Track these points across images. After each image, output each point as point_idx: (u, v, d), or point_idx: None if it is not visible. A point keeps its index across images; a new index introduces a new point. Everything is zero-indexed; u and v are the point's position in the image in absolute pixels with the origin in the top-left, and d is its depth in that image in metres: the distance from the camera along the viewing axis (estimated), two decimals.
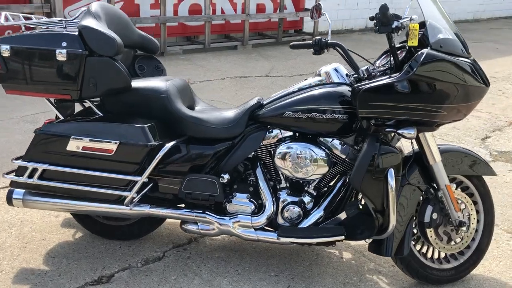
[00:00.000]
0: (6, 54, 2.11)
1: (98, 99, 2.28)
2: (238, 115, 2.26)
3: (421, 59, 1.89)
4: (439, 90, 1.97)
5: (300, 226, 2.22)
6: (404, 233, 2.16)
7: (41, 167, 2.13)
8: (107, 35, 2.08)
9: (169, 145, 2.12)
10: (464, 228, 2.24)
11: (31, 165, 2.13)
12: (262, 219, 2.21)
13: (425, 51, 1.92)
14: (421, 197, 2.23)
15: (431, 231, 2.25)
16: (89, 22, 2.13)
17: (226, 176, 2.26)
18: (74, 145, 2.09)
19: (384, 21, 1.94)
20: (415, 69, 1.90)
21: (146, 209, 2.25)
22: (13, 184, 2.19)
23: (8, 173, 2.20)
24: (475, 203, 2.35)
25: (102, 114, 2.25)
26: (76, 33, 2.11)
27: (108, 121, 2.16)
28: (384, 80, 1.99)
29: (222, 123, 2.26)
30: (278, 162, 2.18)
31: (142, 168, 2.11)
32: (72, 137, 2.09)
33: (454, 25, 2.15)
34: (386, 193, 2.03)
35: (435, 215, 2.21)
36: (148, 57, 2.62)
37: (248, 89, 5.49)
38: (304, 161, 2.13)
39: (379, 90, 1.99)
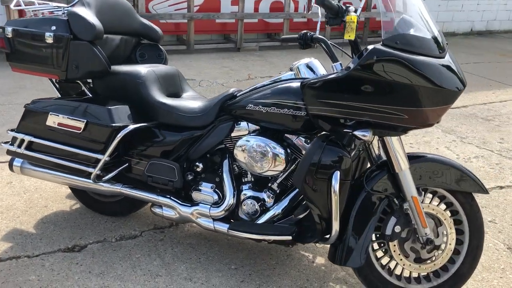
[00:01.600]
0: (9, 35, 2.37)
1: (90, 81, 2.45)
2: (209, 105, 2.28)
3: (364, 56, 1.74)
4: (391, 91, 1.78)
5: (257, 222, 2.18)
6: (361, 243, 2.01)
7: (27, 138, 2.35)
8: (87, 20, 2.23)
9: (130, 127, 2.20)
10: (432, 247, 2.02)
11: (19, 136, 2.37)
12: (219, 211, 2.20)
13: (371, 47, 1.76)
14: (387, 207, 2.05)
15: (394, 245, 2.06)
16: (77, 9, 2.29)
17: (200, 165, 2.30)
18: (51, 120, 2.28)
19: (332, 14, 1.82)
20: (354, 66, 1.75)
21: (118, 188, 2.37)
22: (9, 152, 2.45)
23: (5, 142, 2.47)
24: (459, 222, 2.10)
25: (91, 95, 2.43)
26: (66, 19, 2.29)
27: (85, 101, 2.30)
28: (328, 76, 1.87)
29: (192, 111, 2.29)
30: (237, 154, 2.15)
31: (106, 148, 2.22)
32: (50, 113, 2.28)
33: (433, 22, 1.94)
34: (329, 197, 1.90)
35: (398, 228, 2.02)
36: (151, 45, 2.74)
37: None
38: (260, 155, 2.08)
39: (324, 86, 1.87)
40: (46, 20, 2.34)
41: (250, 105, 2.12)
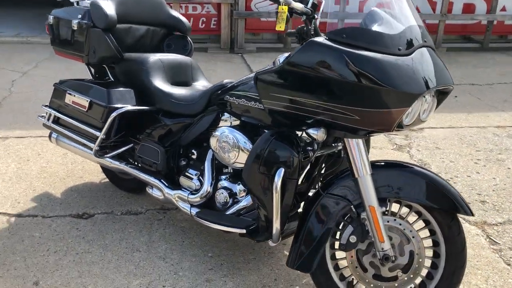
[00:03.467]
0: (51, 22, 2.71)
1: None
2: (201, 95, 2.34)
3: (300, 48, 1.64)
4: (333, 88, 1.65)
5: (226, 213, 2.19)
6: (313, 248, 1.90)
7: (53, 113, 2.67)
8: (102, 10, 2.45)
9: (124, 109, 2.36)
10: (393, 265, 1.83)
11: (48, 111, 2.70)
12: (195, 197, 2.26)
13: (311, 39, 1.65)
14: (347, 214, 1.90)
15: (352, 256, 1.91)
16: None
17: (190, 152, 2.39)
18: (68, 98, 2.55)
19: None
20: (288, 58, 1.66)
21: (121, 165, 2.56)
22: (44, 125, 2.80)
23: (41, 116, 2.82)
24: (436, 243, 1.87)
25: (112, 79, 2.67)
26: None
27: (96, 84, 2.53)
28: (269, 68, 1.79)
29: (185, 99, 2.37)
30: (211, 144, 2.18)
31: (103, 126, 2.42)
32: (67, 91, 2.56)
33: (414, 17, 1.75)
34: (271, 194, 1.84)
35: (353, 238, 1.86)
36: (179, 37, 2.88)
37: None
38: (228, 147, 2.09)
39: (267, 79, 1.80)
40: (78, 9, 2.63)
41: (227, 96, 2.14)
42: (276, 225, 1.87)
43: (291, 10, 1.73)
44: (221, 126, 2.20)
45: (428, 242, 1.89)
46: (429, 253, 1.88)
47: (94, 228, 2.55)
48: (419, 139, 4.00)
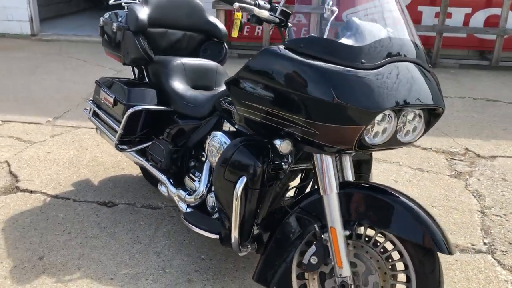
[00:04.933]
0: (101, 24, 2.97)
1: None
2: (208, 99, 2.39)
3: (255, 56, 1.58)
4: (288, 98, 1.58)
5: (214, 216, 2.20)
6: (276, 265, 1.83)
7: (93, 107, 2.92)
8: (134, 14, 2.62)
9: (140, 107, 2.49)
10: None
11: (90, 105, 2.95)
12: (190, 198, 2.30)
13: (265, 47, 1.59)
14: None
15: (314, 278, 1.81)
16: (135, 4, 2.71)
17: (197, 153, 2.46)
18: (102, 94, 2.77)
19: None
20: (244, 65, 1.61)
21: (140, 160, 2.70)
22: (89, 118, 3.07)
23: (86, 109, 3.09)
24: (408, 279, 1.69)
25: (146, 80, 2.84)
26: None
27: (125, 83, 2.70)
28: (235, 74, 1.75)
29: (195, 102, 2.44)
30: (205, 147, 2.21)
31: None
32: (101, 88, 2.78)
33: (401, 28, 1.61)
34: (231, 201, 1.80)
35: (314, 259, 1.75)
36: (216, 42, 2.96)
37: (482, 114, 4.74)
38: (214, 151, 2.10)
39: (236, 85, 1.76)
40: (121, 12, 2.84)
41: (222, 101, 2.16)
42: (235, 234, 1.84)
43: (258, 18, 1.70)
44: (216, 131, 2.22)
45: (403, 277, 1.72)
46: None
47: (111, 217, 2.73)
48: (486, 167, 3.59)
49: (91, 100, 3.00)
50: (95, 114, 2.93)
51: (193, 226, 2.13)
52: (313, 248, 1.77)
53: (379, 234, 1.73)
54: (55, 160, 3.42)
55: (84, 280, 2.19)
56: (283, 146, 1.74)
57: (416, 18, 6.71)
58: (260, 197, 1.83)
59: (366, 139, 1.59)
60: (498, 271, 2.37)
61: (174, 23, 2.81)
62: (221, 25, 2.93)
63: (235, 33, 1.69)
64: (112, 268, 2.28)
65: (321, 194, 1.73)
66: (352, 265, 1.73)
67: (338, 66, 1.51)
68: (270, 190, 1.87)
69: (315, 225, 1.76)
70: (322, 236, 1.73)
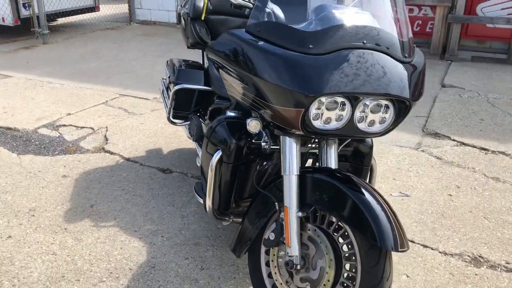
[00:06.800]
0: (178, 11, 3.32)
1: None
2: None
3: (217, 39, 1.69)
4: (245, 79, 1.66)
5: None
6: (245, 238, 1.95)
7: (161, 85, 3.30)
8: (193, 2, 2.89)
9: (182, 86, 2.76)
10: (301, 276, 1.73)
11: (161, 83, 3.34)
12: None
13: (229, 30, 1.68)
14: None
15: (274, 254, 1.88)
16: None
17: None
18: (166, 74, 3.12)
19: None
20: (208, 46, 1.72)
21: (186, 131, 3.00)
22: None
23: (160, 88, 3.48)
24: (354, 267, 1.68)
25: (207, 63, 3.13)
26: None
27: (180, 65, 2.99)
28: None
29: None
30: None
31: None
32: (166, 68, 3.13)
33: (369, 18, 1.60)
34: (207, 172, 1.95)
35: (271, 235, 1.82)
36: None
37: None
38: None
39: (213, 63, 1.89)
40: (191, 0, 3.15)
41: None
42: (209, 203, 2.00)
43: (233, 4, 1.82)
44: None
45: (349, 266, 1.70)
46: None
47: (162, 181, 3.08)
48: None
49: (164, 78, 3.39)
50: (164, 92, 3.31)
51: (196, 195, 2.34)
52: (273, 226, 1.85)
53: (339, 222, 1.74)
54: (142, 130, 3.93)
55: (113, 228, 2.57)
56: (251, 124, 1.84)
57: None
58: (234, 171, 1.96)
59: (317, 123, 1.61)
60: None
61: (234, 11, 3.02)
62: None
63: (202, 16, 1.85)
64: (140, 222, 2.62)
65: (282, 173, 1.79)
66: (305, 247, 1.77)
67: (283, 49, 1.57)
68: (250, 166, 1.99)
69: (276, 203, 1.83)
70: (280, 215, 1.80)
